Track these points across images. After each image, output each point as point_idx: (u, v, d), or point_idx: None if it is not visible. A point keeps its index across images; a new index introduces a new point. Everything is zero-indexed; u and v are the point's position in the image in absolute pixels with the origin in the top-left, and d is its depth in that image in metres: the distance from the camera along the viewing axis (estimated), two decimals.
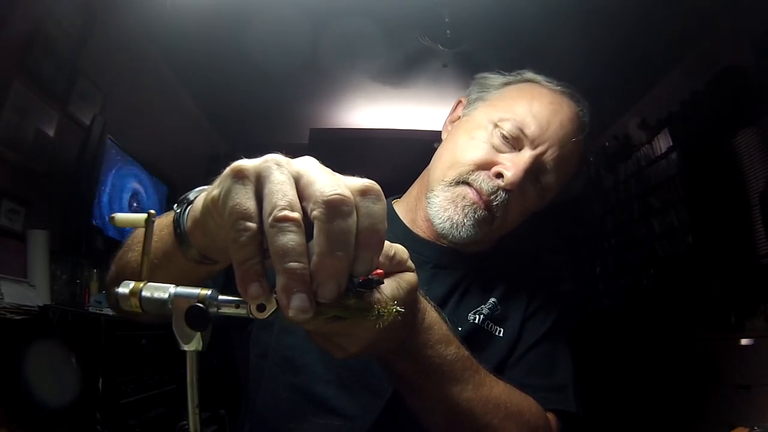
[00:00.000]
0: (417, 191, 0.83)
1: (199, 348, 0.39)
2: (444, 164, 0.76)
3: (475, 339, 0.71)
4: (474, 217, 0.72)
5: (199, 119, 3.62)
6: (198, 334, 0.39)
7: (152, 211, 0.41)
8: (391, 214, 0.83)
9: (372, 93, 3.38)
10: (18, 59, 1.84)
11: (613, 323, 3.35)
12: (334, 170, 0.36)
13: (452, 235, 0.73)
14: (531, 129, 0.72)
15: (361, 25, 2.44)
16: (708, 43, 2.68)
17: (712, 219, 2.63)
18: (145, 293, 0.40)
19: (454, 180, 0.74)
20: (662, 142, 3.04)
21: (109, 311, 1.77)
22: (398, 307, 0.38)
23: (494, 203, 0.72)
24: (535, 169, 0.73)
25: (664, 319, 2.86)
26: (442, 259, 0.78)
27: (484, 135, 0.74)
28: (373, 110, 3.64)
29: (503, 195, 0.72)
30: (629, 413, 2.75)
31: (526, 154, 0.72)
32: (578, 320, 3.23)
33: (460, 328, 0.72)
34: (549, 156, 0.73)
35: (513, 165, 0.71)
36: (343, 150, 3.29)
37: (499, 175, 0.71)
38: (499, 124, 0.74)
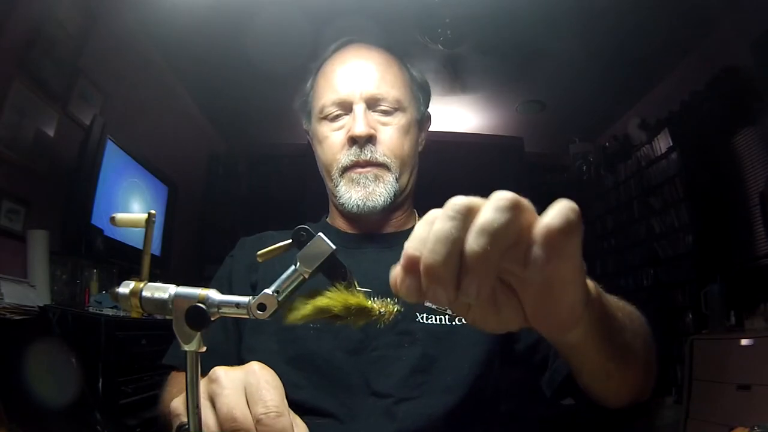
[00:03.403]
0: (332, 207, 0.88)
1: (200, 348, 0.39)
2: (326, 177, 0.83)
3: (455, 335, 0.71)
4: (372, 181, 0.77)
5: (199, 119, 3.61)
6: (198, 334, 0.39)
7: (152, 211, 0.41)
8: (324, 225, 0.89)
9: None
10: (18, 59, 1.84)
11: None
12: None
13: (371, 206, 0.77)
14: (341, 92, 0.79)
15: (360, 25, 2.43)
16: (708, 43, 2.68)
17: (712, 219, 2.63)
18: (146, 293, 0.40)
19: (338, 177, 0.79)
20: (662, 142, 3.04)
21: (109, 311, 1.77)
22: (398, 306, 0.38)
23: (371, 158, 0.77)
24: (372, 106, 0.79)
25: (664, 319, 2.86)
26: (383, 242, 0.82)
27: (324, 132, 0.81)
28: None
29: (370, 146, 0.77)
30: (629, 413, 2.74)
31: (355, 107, 0.78)
32: None
33: (419, 314, 0.71)
34: (371, 89, 0.78)
35: (353, 123, 0.77)
36: None
37: (352, 140, 0.77)
38: (324, 116, 0.81)
